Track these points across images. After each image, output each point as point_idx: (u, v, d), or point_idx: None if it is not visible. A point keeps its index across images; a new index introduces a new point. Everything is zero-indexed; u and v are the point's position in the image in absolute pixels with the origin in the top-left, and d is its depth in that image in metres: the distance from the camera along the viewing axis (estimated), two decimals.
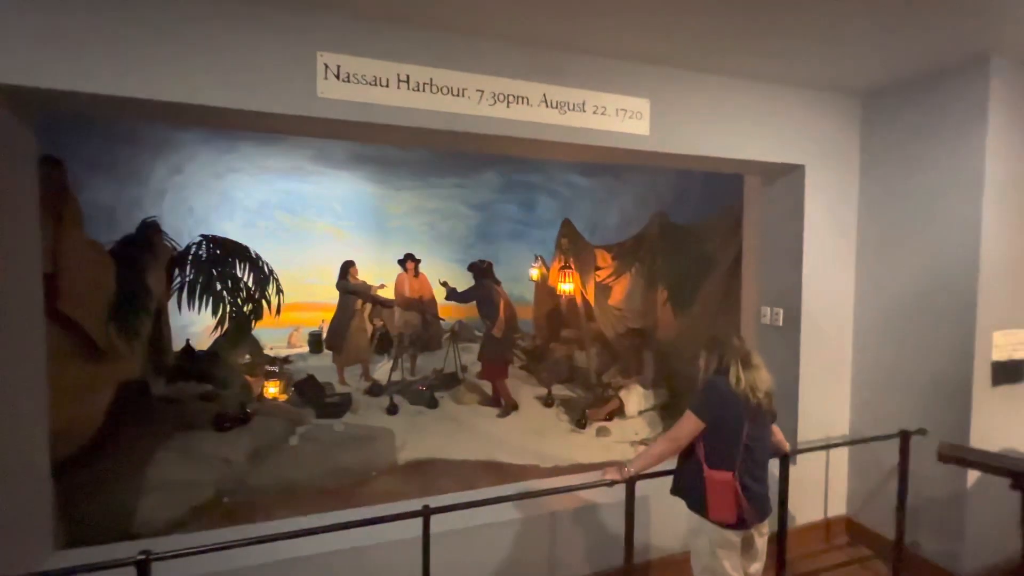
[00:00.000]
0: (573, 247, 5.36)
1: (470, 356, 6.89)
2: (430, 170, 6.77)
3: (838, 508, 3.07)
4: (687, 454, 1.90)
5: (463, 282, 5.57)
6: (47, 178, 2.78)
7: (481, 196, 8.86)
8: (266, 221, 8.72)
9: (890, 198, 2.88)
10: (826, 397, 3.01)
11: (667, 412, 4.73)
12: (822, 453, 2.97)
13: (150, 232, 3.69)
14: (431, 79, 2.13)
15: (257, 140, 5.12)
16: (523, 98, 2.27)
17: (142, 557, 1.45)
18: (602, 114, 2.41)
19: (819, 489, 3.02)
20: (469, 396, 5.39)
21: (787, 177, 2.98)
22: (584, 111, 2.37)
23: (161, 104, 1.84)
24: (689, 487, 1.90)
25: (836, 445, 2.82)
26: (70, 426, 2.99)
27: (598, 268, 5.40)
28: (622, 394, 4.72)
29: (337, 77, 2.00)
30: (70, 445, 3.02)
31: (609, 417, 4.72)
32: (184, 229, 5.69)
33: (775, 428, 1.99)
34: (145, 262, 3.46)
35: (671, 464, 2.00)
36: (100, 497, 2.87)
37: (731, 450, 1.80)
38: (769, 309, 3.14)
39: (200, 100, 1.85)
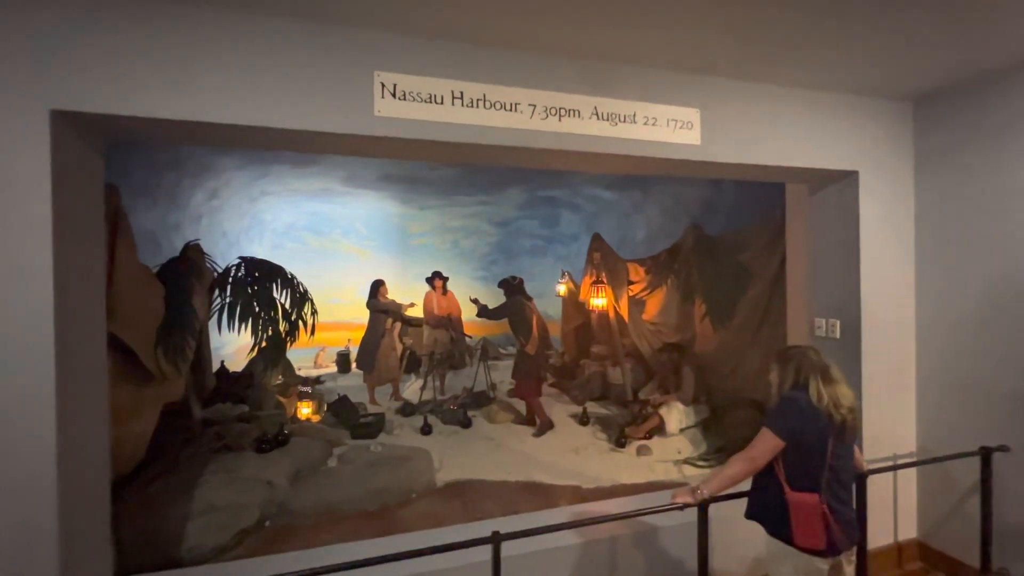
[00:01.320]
0: (605, 261, 5.30)
1: (496, 374, 6.82)
2: (455, 188, 6.82)
3: (908, 531, 2.90)
4: (764, 475, 1.80)
5: (490, 299, 5.55)
6: (105, 203, 2.85)
7: (504, 213, 8.88)
8: (293, 243, 8.86)
9: (948, 203, 2.78)
10: (891, 411, 2.87)
11: (709, 429, 4.58)
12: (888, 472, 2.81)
13: (194, 254, 3.75)
14: (484, 95, 2.13)
15: (291, 162, 5.22)
16: (575, 111, 2.25)
17: None
18: (653, 125, 2.38)
19: (887, 509, 2.86)
20: (503, 415, 5.30)
21: (838, 184, 2.91)
22: (635, 122, 2.35)
23: (227, 127, 1.86)
24: (769, 511, 1.80)
25: (914, 464, 2.66)
26: (119, 450, 3.01)
27: (631, 282, 5.32)
28: (662, 411, 4.59)
29: (393, 95, 2.01)
30: (118, 469, 3.03)
31: (649, 435, 4.58)
32: (216, 252, 5.78)
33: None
34: (190, 284, 3.50)
35: (744, 485, 1.91)
36: (148, 523, 2.85)
37: (815, 471, 1.70)
38: (824, 321, 3.03)
39: (263, 122, 1.87)
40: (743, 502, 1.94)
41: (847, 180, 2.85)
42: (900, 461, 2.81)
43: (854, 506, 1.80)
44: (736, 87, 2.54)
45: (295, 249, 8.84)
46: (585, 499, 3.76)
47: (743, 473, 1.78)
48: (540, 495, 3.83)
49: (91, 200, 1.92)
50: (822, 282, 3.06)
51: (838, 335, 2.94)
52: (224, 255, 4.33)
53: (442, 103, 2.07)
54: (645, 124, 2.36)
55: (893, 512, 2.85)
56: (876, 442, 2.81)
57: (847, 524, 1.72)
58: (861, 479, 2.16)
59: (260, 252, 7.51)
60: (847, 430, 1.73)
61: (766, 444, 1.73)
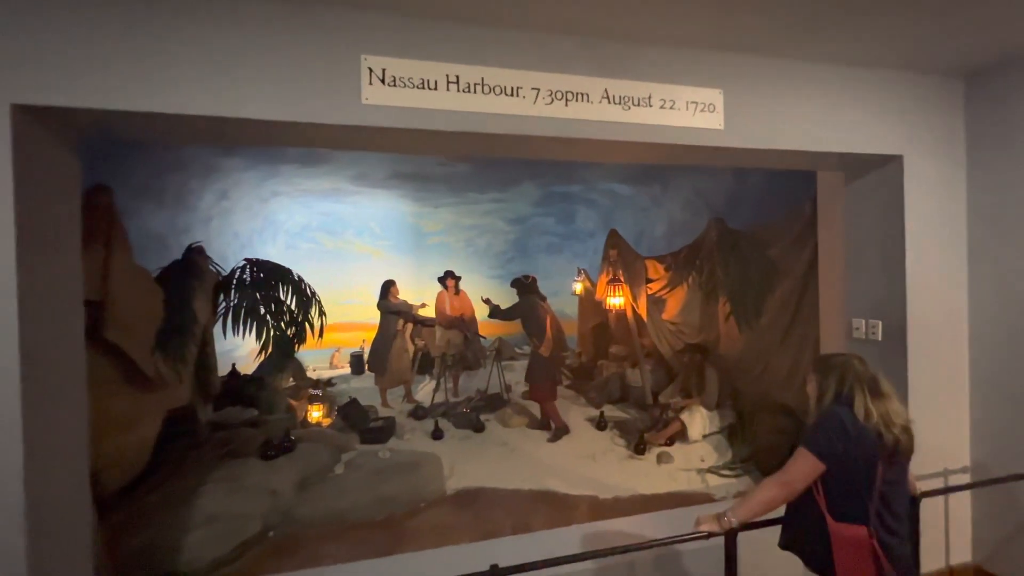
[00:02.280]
0: (622, 259, 5.06)
1: (512, 375, 6.65)
2: (468, 185, 6.65)
3: (962, 554, 2.61)
4: (802, 502, 1.57)
5: (504, 298, 5.37)
6: (96, 205, 2.77)
7: (519, 210, 8.69)
8: (307, 243, 8.84)
9: (1004, 191, 2.49)
10: (941, 422, 2.59)
11: (735, 436, 4.31)
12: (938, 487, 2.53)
13: (196, 257, 3.67)
14: (482, 79, 1.94)
15: (299, 162, 5.13)
16: (583, 95, 2.05)
17: None
18: (671, 108, 2.15)
19: (938, 531, 2.57)
20: (517, 419, 5.12)
21: (880, 170, 2.63)
22: (651, 106, 2.13)
23: (200, 119, 1.72)
24: (807, 542, 1.57)
25: (972, 485, 2.37)
26: (119, 458, 2.94)
27: (649, 280, 5.07)
28: (684, 416, 4.34)
29: (383, 81, 1.84)
30: (119, 478, 2.96)
31: (670, 441, 4.34)
32: (229, 253, 5.76)
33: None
34: (192, 288, 3.42)
35: (778, 510, 1.68)
36: (146, 533, 2.77)
37: (861, 499, 1.47)
38: (864, 322, 2.76)
39: (240, 113, 1.72)
40: (777, 529, 1.71)
41: (890, 166, 2.57)
42: (952, 477, 2.53)
43: (909, 538, 1.56)
44: (763, 64, 2.29)
45: (310, 250, 8.82)
46: (601, 510, 3.56)
47: (777, 499, 1.55)
48: (554, 505, 3.64)
49: (65, 201, 1.81)
50: (862, 279, 2.79)
51: (880, 338, 2.67)
52: (236, 257, 4.28)
53: (436, 89, 1.90)
54: (662, 107, 2.14)
55: (945, 532, 2.57)
56: (925, 456, 2.51)
57: (901, 561, 1.48)
58: (914, 503, 1.90)
59: (274, 253, 7.50)
60: (900, 452, 1.49)
61: (804, 467, 1.50)
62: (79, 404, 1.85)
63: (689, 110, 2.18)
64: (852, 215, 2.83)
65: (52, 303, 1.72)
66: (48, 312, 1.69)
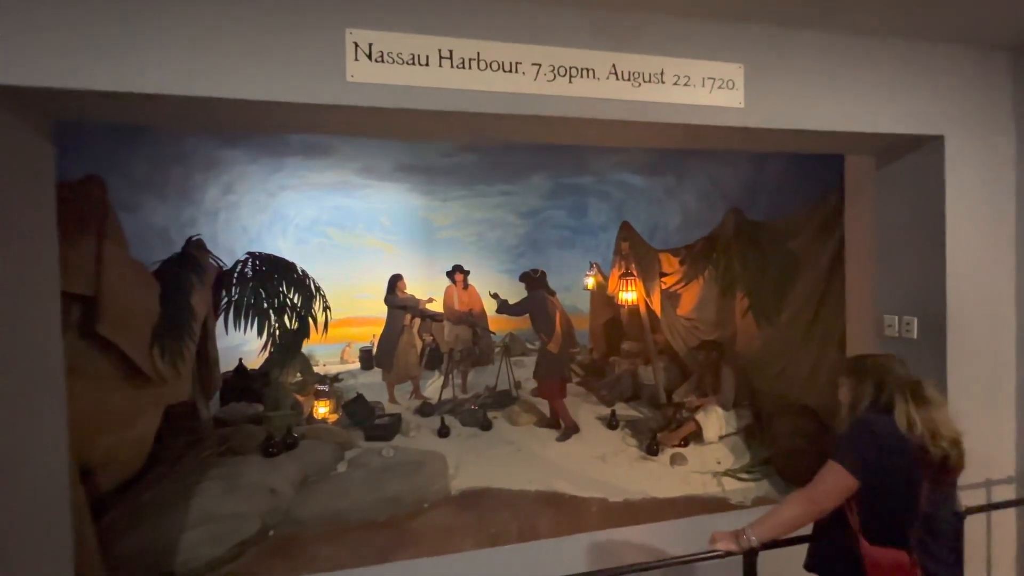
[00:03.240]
0: (634, 252, 4.87)
1: (522, 371, 6.50)
2: (475, 178, 6.50)
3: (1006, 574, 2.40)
4: (831, 521, 1.40)
5: (515, 293, 5.22)
6: (88, 196, 2.69)
7: (529, 203, 8.52)
8: (318, 238, 8.80)
9: None
10: (984, 428, 2.36)
11: (752, 438, 4.11)
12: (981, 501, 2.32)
13: (196, 251, 3.59)
14: (478, 53, 1.78)
15: (303, 153, 5.03)
16: (588, 70, 1.88)
17: None
18: (685, 85, 1.97)
19: (978, 549, 2.36)
20: (525, 417, 4.99)
21: (917, 153, 2.40)
22: (663, 82, 1.95)
23: (172, 99, 1.60)
24: (836, 566, 1.40)
25: (1020, 502, 2.15)
26: (115, 456, 2.88)
27: (663, 274, 4.87)
28: (699, 416, 4.15)
29: (369, 57, 1.70)
30: (115, 476, 2.91)
31: (684, 442, 4.16)
32: (238, 248, 5.70)
33: None
34: (191, 282, 3.34)
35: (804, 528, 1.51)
36: (141, 533, 2.70)
37: (901, 520, 1.30)
38: (897, 318, 2.54)
39: (215, 92, 1.60)
40: (802, 548, 1.55)
41: (929, 147, 2.34)
42: (996, 489, 2.32)
43: (956, 563, 1.38)
44: (788, 36, 2.09)
45: (321, 244, 8.78)
46: (611, 514, 3.41)
47: (803, 518, 1.38)
48: (562, 508, 3.50)
49: (37, 190, 1.71)
50: (894, 272, 2.57)
51: (915, 335, 2.45)
52: (244, 251, 4.25)
53: (427, 64, 1.75)
54: (675, 84, 1.96)
55: (986, 551, 2.36)
56: (966, 465, 2.31)
57: None
58: (958, 519, 1.71)
59: (284, 248, 7.46)
60: (948, 469, 1.31)
61: (834, 483, 1.33)
62: (56, 400, 1.76)
63: (706, 87, 1.99)
64: (884, 203, 2.61)
65: (22, 295, 1.62)
66: (17, 305, 1.60)
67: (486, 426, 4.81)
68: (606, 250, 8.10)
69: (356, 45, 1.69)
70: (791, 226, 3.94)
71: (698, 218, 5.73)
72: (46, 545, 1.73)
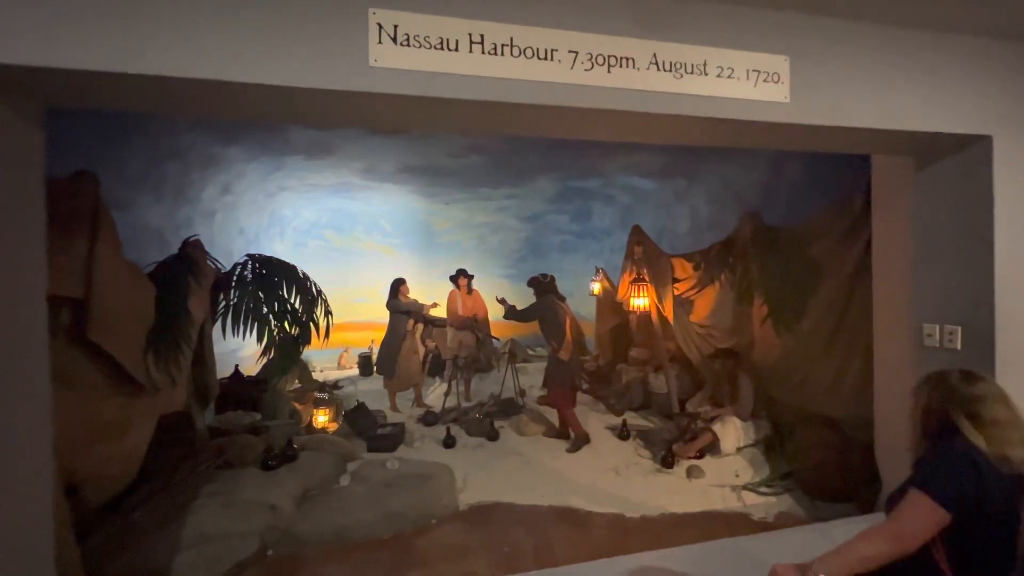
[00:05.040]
0: (647, 256, 4.74)
1: (525, 378, 6.35)
2: (479, 180, 6.36)
3: None
4: (914, 558, 1.25)
5: (518, 298, 5.07)
6: (78, 192, 2.52)
7: (533, 207, 8.41)
8: (316, 241, 8.64)
9: None
10: None
11: (772, 450, 3.97)
12: None
13: (193, 252, 3.41)
14: (511, 39, 1.64)
15: (305, 152, 4.87)
16: (628, 59, 1.74)
17: None
18: (728, 77, 1.84)
19: None
20: (533, 426, 4.82)
21: (962, 154, 2.28)
22: (705, 74, 1.82)
23: (180, 83, 1.44)
24: None
25: None
26: (105, 470, 2.68)
27: (676, 280, 4.74)
28: (716, 427, 4.01)
29: (394, 40, 1.55)
30: (104, 492, 2.71)
31: (700, 454, 4.01)
32: (235, 250, 5.53)
33: None
34: (187, 285, 3.16)
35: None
36: (130, 556, 2.51)
37: (1000, 559, 1.15)
38: (938, 327, 2.42)
39: (226, 76, 1.44)
40: None
41: (975, 148, 2.23)
42: None
43: None
44: (835, 28, 1.97)
45: (318, 247, 8.62)
46: (628, 530, 3.25)
47: (884, 555, 1.23)
48: (577, 524, 3.34)
49: (24, 183, 1.54)
50: (934, 279, 2.44)
51: (958, 346, 2.33)
52: (242, 254, 4.06)
53: (456, 49, 1.60)
54: (719, 76, 1.83)
55: None
56: None
57: None
58: None
59: (282, 250, 7.27)
60: None
61: (922, 516, 1.18)
62: (41, 411, 1.59)
63: (750, 79, 1.86)
64: (923, 205, 2.49)
65: (5, 297, 1.45)
66: (0, 307, 1.43)
67: (493, 436, 4.64)
68: (610, 255, 7.99)
69: (380, 27, 1.54)
70: (812, 230, 3.82)
71: (709, 222, 5.63)
72: (27, 566, 1.55)
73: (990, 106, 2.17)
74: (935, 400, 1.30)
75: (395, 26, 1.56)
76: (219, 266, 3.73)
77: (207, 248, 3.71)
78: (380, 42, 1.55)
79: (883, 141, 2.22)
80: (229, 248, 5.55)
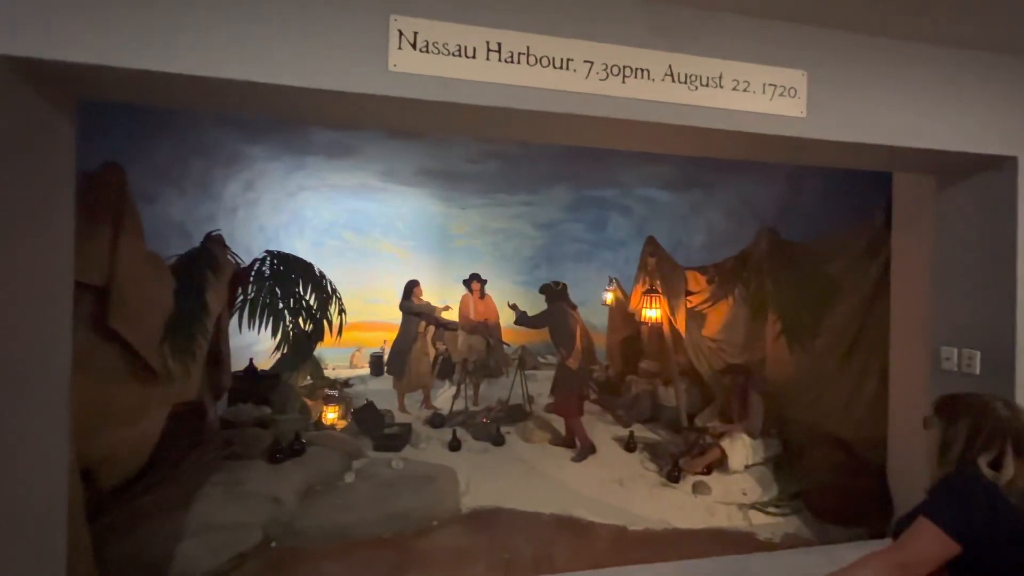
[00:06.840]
0: (660, 268, 4.71)
1: (535, 385, 6.33)
2: (497, 186, 6.42)
3: None
4: None
5: (530, 305, 5.07)
6: (106, 184, 2.61)
7: (548, 215, 8.43)
8: (334, 240, 8.76)
9: None
10: None
11: (781, 469, 3.89)
12: None
13: (214, 246, 3.51)
14: (528, 47, 1.67)
15: (326, 153, 4.98)
16: (643, 71, 1.76)
17: None
18: (744, 90, 1.84)
19: None
20: (539, 434, 4.80)
21: (986, 174, 2.24)
22: (721, 87, 1.82)
23: (204, 81, 1.50)
24: None
25: None
26: (116, 455, 2.76)
27: (689, 293, 4.70)
28: (724, 443, 3.95)
29: (413, 46, 1.59)
30: (114, 476, 2.78)
31: (708, 470, 3.95)
32: (255, 246, 5.64)
33: None
34: (206, 278, 3.25)
35: None
36: (137, 539, 2.57)
37: None
38: (955, 351, 2.36)
39: (249, 76, 1.50)
40: None
41: (1000, 168, 2.18)
42: None
43: None
44: (856, 42, 1.96)
45: (336, 247, 8.74)
46: (631, 543, 3.22)
47: None
48: (579, 534, 3.31)
49: (55, 172, 1.62)
50: (953, 301, 2.39)
51: (977, 370, 2.27)
52: (261, 250, 4.17)
53: (474, 57, 1.64)
54: (735, 90, 1.84)
55: None
56: None
57: None
58: None
59: (300, 249, 7.38)
60: None
61: (929, 546, 1.14)
62: (59, 394, 1.65)
63: (766, 93, 1.86)
64: (944, 225, 2.44)
65: (34, 283, 1.52)
66: (27, 293, 1.49)
67: (498, 441, 4.64)
68: (624, 265, 7.95)
69: (400, 33, 1.58)
70: (829, 248, 3.77)
71: (725, 236, 5.58)
72: (39, 545, 1.60)
73: (1015, 126, 2.13)
74: (976, 427, 1.23)
75: (415, 33, 1.60)
76: (239, 260, 3.82)
77: (227, 243, 3.81)
78: (400, 48, 1.59)
79: (903, 159, 2.19)
80: (249, 245, 5.68)
